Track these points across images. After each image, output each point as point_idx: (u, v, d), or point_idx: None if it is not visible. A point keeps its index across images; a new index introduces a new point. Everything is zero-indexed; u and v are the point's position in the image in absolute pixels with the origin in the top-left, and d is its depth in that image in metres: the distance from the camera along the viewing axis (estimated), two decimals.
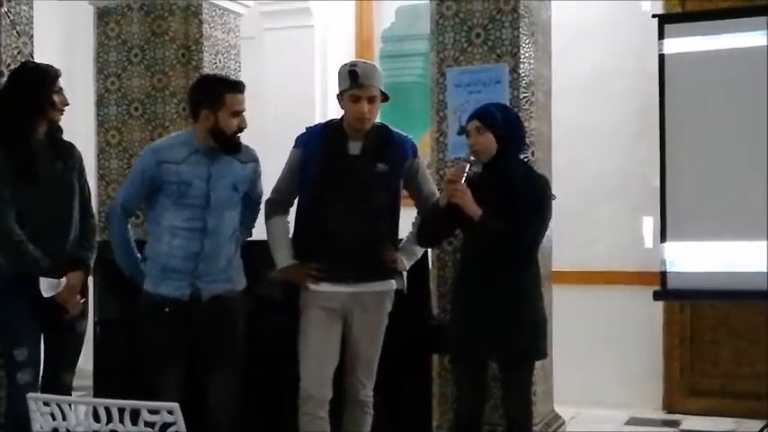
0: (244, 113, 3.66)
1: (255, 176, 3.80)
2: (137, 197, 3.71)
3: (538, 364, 4.39)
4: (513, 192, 3.58)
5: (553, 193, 3.82)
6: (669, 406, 5.67)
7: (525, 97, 4.40)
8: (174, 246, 3.62)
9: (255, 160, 3.80)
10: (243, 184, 3.73)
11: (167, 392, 3.53)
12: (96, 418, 2.26)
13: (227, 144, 3.64)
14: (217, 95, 3.62)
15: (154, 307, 3.63)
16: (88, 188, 3.84)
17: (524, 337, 3.64)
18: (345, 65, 3.70)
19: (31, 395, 2.34)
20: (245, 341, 3.76)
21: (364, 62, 3.90)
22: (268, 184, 3.89)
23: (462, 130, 3.82)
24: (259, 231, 3.93)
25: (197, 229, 3.62)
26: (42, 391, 3.55)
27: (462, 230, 3.79)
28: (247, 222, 3.89)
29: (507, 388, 3.73)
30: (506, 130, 3.64)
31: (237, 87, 3.69)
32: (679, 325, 5.66)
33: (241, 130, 3.66)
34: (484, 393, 3.79)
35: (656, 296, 4.79)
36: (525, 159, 4.12)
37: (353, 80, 3.61)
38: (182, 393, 3.52)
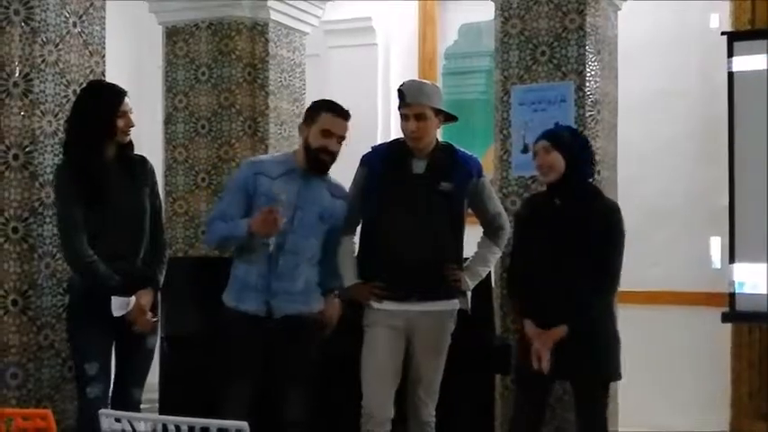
0: (337, 139, 3.67)
1: (342, 214, 3.77)
2: (233, 204, 3.68)
3: None
4: (583, 222, 3.54)
5: None
6: (737, 430, 5.54)
7: (591, 115, 4.38)
8: (252, 261, 3.65)
9: (345, 198, 3.79)
10: (330, 217, 3.72)
11: (232, 406, 3.54)
12: None
13: (312, 160, 3.67)
14: (315, 112, 3.72)
15: (234, 320, 3.66)
16: (159, 202, 3.87)
17: (596, 360, 3.59)
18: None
19: (102, 411, 2.38)
20: (317, 361, 3.77)
21: (414, 80, 3.93)
22: None
23: (526, 149, 3.81)
24: None
25: (275, 246, 3.62)
26: (112, 405, 3.58)
27: (523, 249, 3.75)
28: (331, 267, 3.82)
29: (580, 412, 3.69)
30: (574, 151, 3.62)
31: (336, 110, 3.72)
32: (748, 348, 5.53)
33: (326, 151, 3.66)
34: (542, 415, 3.74)
35: (725, 318, 4.71)
36: (594, 183, 4.05)
37: (401, 99, 3.69)
38: (247, 410, 3.53)
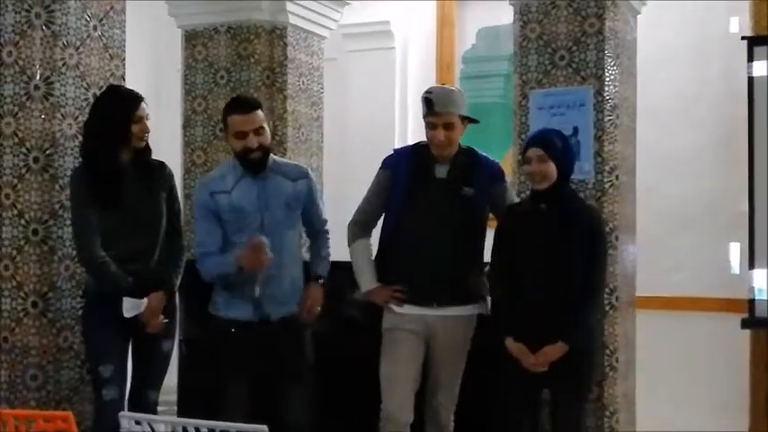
0: (253, 133, 3.60)
1: (310, 192, 3.77)
2: (210, 232, 3.67)
3: (620, 390, 4.34)
4: (569, 225, 3.52)
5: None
6: None
7: (610, 120, 4.36)
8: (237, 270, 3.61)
9: (306, 176, 3.78)
10: (297, 200, 3.71)
11: (233, 410, 3.55)
12: None
13: (245, 164, 3.64)
14: (224, 119, 3.71)
15: (222, 329, 3.66)
16: (178, 206, 3.88)
17: (576, 365, 3.54)
18: (424, 91, 3.71)
19: (122, 414, 2.38)
20: (313, 358, 3.76)
21: (441, 88, 3.89)
22: (352, 203, 3.91)
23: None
24: (339, 253, 3.93)
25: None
26: (129, 407, 3.60)
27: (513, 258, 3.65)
28: (320, 252, 3.82)
29: (558, 418, 3.64)
30: (565, 158, 3.59)
31: (238, 109, 3.67)
32: (766, 354, 5.50)
33: (250, 150, 3.60)
34: (537, 415, 3.69)
35: (744, 324, 4.69)
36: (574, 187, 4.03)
37: (429, 107, 3.64)
38: (248, 412, 3.53)
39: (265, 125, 3.69)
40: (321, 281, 3.79)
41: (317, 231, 3.87)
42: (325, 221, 3.89)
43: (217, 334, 3.71)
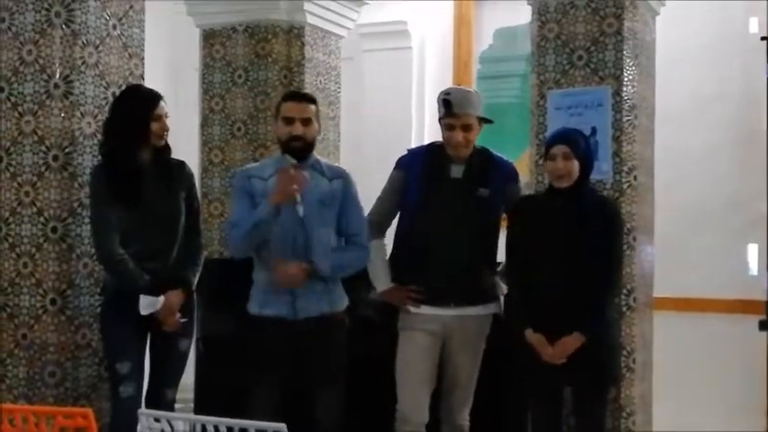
0: (301, 122, 3.61)
1: (347, 194, 3.69)
2: (244, 208, 3.64)
3: (637, 391, 4.33)
4: (587, 222, 3.52)
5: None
6: None
7: (628, 120, 4.34)
8: (272, 264, 3.61)
9: (342, 176, 3.72)
10: (332, 199, 3.67)
11: (261, 409, 3.53)
12: None
13: (286, 152, 3.64)
14: (277, 107, 3.75)
15: (258, 326, 3.65)
16: (197, 205, 3.89)
17: (594, 356, 3.52)
18: (442, 92, 3.71)
19: (142, 411, 2.39)
20: (346, 360, 3.75)
21: (459, 89, 3.88)
22: (368, 202, 3.90)
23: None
24: None
25: (288, 247, 3.58)
26: (146, 405, 3.61)
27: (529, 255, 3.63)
28: (337, 252, 3.69)
29: (579, 416, 3.65)
30: (587, 156, 3.60)
31: (291, 97, 3.76)
32: None
33: (294, 138, 3.61)
34: (558, 418, 3.69)
35: (762, 326, 4.66)
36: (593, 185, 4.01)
37: (447, 109, 3.63)
38: (274, 411, 3.52)
39: (315, 120, 3.69)
40: (306, 266, 3.55)
41: (347, 237, 3.71)
42: (360, 232, 3.70)
43: (251, 332, 3.69)
